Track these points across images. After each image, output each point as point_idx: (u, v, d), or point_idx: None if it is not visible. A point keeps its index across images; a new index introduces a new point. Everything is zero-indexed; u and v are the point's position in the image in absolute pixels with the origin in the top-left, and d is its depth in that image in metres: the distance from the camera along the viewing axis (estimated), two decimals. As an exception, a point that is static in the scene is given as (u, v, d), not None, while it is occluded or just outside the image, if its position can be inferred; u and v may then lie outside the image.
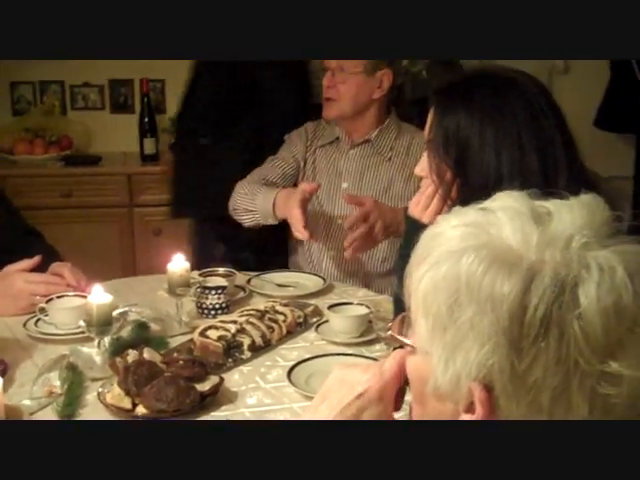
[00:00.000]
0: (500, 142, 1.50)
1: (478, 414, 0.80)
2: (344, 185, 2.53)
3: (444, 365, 0.80)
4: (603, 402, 0.77)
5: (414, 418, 0.93)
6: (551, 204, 0.84)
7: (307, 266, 2.55)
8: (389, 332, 0.95)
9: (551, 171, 1.49)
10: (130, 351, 1.69)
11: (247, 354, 1.82)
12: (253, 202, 2.47)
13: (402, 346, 0.95)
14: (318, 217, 2.53)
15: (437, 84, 1.61)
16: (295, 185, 2.56)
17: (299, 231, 2.23)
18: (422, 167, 1.66)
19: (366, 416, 0.95)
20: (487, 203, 0.87)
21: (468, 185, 1.53)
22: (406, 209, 1.77)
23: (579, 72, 3.85)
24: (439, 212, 1.60)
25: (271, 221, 2.44)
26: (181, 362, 1.65)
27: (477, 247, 0.79)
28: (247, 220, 2.51)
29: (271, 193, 2.41)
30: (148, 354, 1.69)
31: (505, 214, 0.82)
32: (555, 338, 0.75)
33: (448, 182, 1.55)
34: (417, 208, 1.68)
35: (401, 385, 0.97)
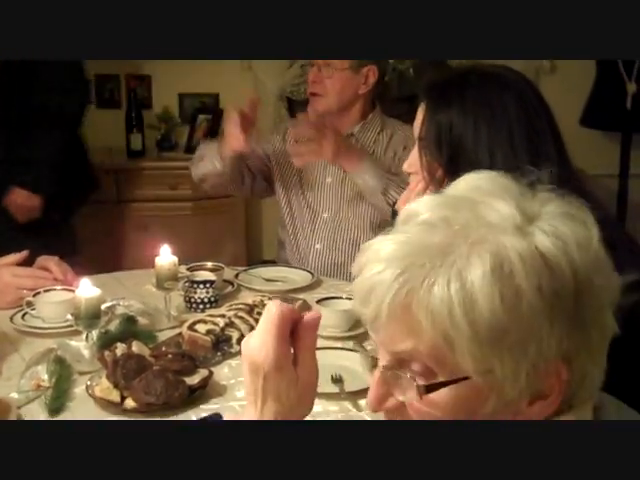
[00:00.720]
0: (493, 140, 1.49)
1: (555, 393, 0.80)
2: (328, 180, 2.54)
3: (514, 368, 0.77)
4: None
5: None
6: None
7: (294, 260, 2.56)
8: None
9: (542, 168, 1.50)
10: (119, 344, 1.68)
11: (236, 348, 1.82)
12: (204, 149, 2.56)
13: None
14: (303, 211, 2.54)
15: (428, 81, 1.60)
16: (266, 180, 2.63)
17: (232, 137, 2.30)
18: (411, 163, 1.65)
19: (276, 390, 0.94)
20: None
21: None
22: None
23: (565, 71, 3.87)
24: None
25: (218, 164, 2.47)
26: (170, 355, 1.65)
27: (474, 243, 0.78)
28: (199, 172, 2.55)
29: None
30: (137, 347, 1.68)
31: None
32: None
33: (439, 179, 1.55)
34: (406, 205, 1.67)
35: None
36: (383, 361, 0.85)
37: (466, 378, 0.79)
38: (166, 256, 1.97)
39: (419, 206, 0.86)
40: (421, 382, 0.80)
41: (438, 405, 0.81)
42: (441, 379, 0.80)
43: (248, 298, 2.01)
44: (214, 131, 3.88)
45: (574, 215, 0.82)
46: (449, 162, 1.52)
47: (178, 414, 1.53)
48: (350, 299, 1.99)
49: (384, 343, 0.84)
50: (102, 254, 3.68)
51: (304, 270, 2.36)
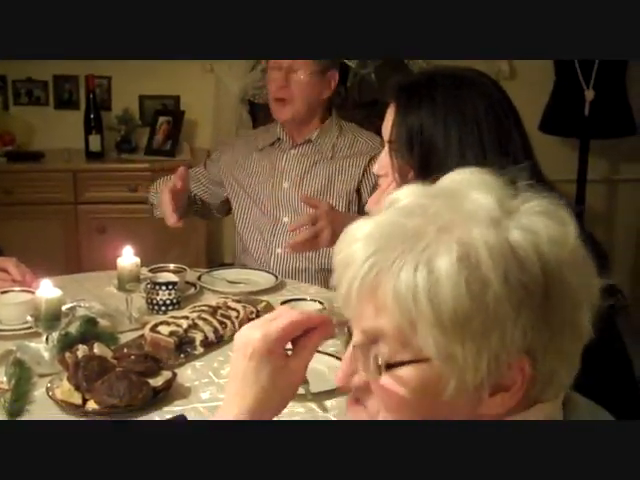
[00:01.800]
0: (463, 140, 1.50)
1: (517, 386, 0.81)
2: (285, 185, 2.52)
3: (476, 356, 0.78)
4: None
5: None
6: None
7: (255, 266, 2.53)
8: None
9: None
10: (80, 346, 1.65)
11: (199, 350, 1.80)
12: (155, 196, 2.58)
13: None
14: (263, 217, 2.52)
15: (397, 82, 1.60)
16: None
17: (167, 216, 2.27)
18: (381, 166, 1.65)
19: (261, 373, 0.96)
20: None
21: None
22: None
23: (525, 77, 3.91)
24: None
25: (157, 214, 2.52)
26: (133, 357, 1.62)
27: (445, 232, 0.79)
28: (157, 214, 2.57)
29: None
30: (98, 349, 1.65)
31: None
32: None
33: (411, 180, 1.55)
34: (377, 207, 1.66)
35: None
36: (355, 338, 0.86)
37: (427, 360, 0.80)
38: (128, 257, 1.94)
39: (402, 193, 0.88)
40: (384, 360, 0.82)
41: (401, 383, 0.82)
42: (402, 358, 0.81)
43: (211, 300, 2.00)
44: (174, 133, 3.85)
45: (552, 212, 0.82)
46: (420, 164, 1.52)
47: (141, 416, 1.51)
48: (314, 301, 1.98)
49: (354, 320, 0.86)
50: (59, 257, 3.63)
51: (267, 272, 2.35)
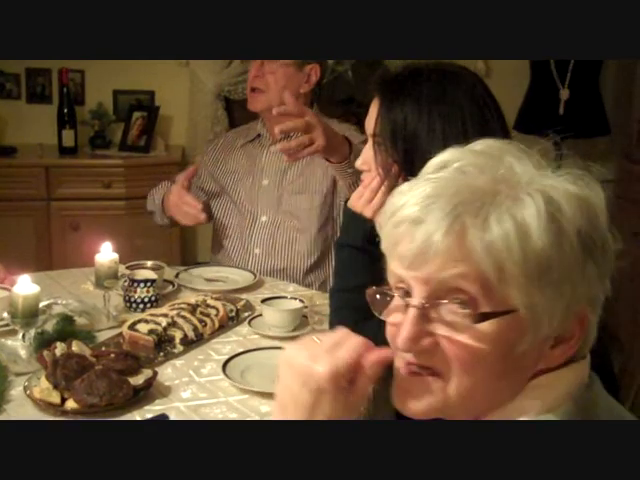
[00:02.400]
0: (447, 134, 1.50)
1: (576, 338, 0.85)
2: (264, 182, 2.48)
3: (553, 305, 0.81)
4: None
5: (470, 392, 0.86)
6: None
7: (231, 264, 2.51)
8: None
9: None
10: (58, 344, 1.62)
11: (179, 348, 1.78)
12: (153, 202, 2.55)
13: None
14: (241, 216, 2.49)
15: (381, 77, 1.59)
16: None
17: (197, 217, 2.28)
18: (364, 160, 1.64)
19: (325, 409, 0.88)
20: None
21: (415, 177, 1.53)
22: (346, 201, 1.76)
23: (500, 76, 3.92)
24: (383, 205, 1.60)
25: (165, 221, 2.52)
26: (112, 355, 1.60)
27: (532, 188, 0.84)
28: (157, 220, 2.58)
29: (163, 191, 2.49)
30: (77, 347, 1.63)
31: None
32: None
33: (395, 175, 1.55)
34: (359, 202, 1.65)
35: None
36: (419, 299, 0.85)
37: (514, 311, 0.82)
38: (107, 253, 1.92)
39: (447, 156, 0.91)
40: (467, 313, 0.82)
41: (482, 337, 0.82)
42: (486, 310, 0.82)
43: (190, 298, 1.97)
44: (149, 129, 3.82)
45: (584, 175, 0.88)
46: (404, 157, 1.52)
47: (122, 415, 1.49)
48: (295, 299, 1.97)
49: (430, 274, 0.84)
50: (30, 254, 3.58)
51: (245, 270, 2.33)
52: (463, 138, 1.53)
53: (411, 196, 0.87)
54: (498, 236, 0.80)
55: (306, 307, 1.88)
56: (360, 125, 4.03)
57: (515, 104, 3.81)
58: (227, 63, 3.90)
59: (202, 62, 3.85)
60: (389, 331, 0.90)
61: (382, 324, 0.93)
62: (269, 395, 1.56)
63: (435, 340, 0.84)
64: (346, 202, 1.73)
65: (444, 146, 1.51)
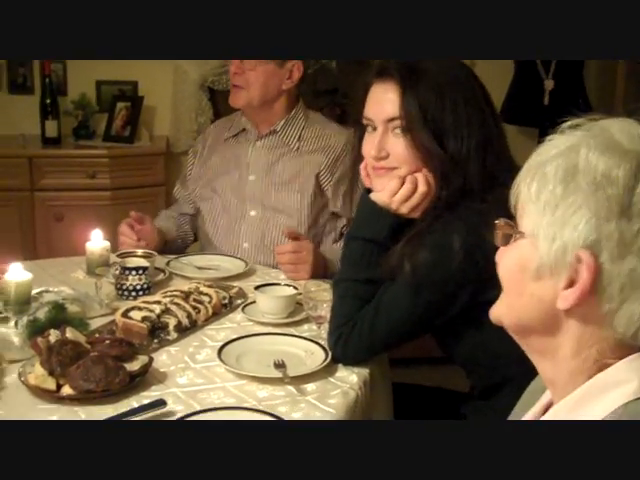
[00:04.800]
0: (469, 115, 1.59)
1: (583, 282, 0.90)
2: (251, 178, 2.45)
3: (551, 239, 0.92)
4: None
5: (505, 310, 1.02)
6: None
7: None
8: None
9: (503, 139, 1.60)
10: (52, 331, 1.61)
11: (173, 335, 1.77)
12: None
13: None
14: (229, 211, 2.45)
15: (396, 62, 1.62)
16: None
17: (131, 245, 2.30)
18: (395, 157, 1.65)
19: None
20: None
21: (446, 161, 1.58)
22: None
23: (484, 67, 3.91)
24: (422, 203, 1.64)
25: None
26: (107, 341, 1.58)
27: (590, 137, 0.93)
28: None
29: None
30: (71, 334, 1.61)
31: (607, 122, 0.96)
32: None
33: (434, 161, 1.60)
34: (395, 198, 1.64)
35: None
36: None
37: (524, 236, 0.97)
38: (97, 241, 1.90)
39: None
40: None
41: (508, 254, 1.00)
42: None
43: (183, 285, 1.96)
44: (133, 119, 3.79)
45: None
46: (433, 139, 1.57)
47: (118, 401, 1.48)
48: (288, 286, 1.96)
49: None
50: (15, 244, 3.54)
51: (236, 258, 2.32)
52: (481, 120, 1.58)
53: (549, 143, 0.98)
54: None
55: (300, 294, 1.87)
56: (343, 115, 4.05)
57: (500, 94, 3.81)
58: (212, 53, 3.88)
59: (186, 52, 3.83)
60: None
61: None
62: (266, 380, 1.56)
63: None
64: (366, 193, 1.72)
65: (467, 128, 1.56)
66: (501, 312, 1.03)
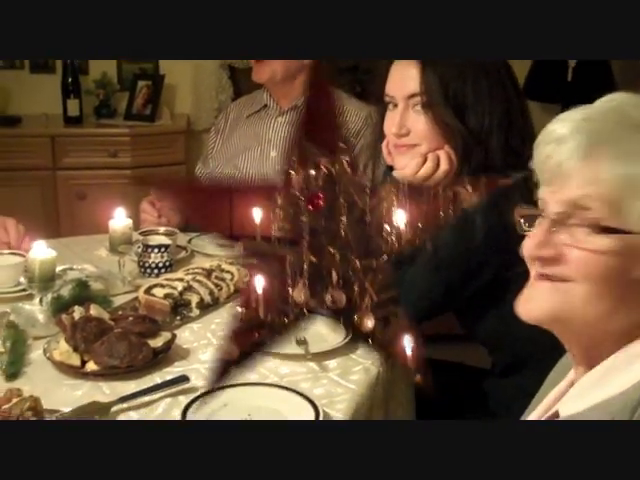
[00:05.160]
0: (491, 90, 1.58)
1: None
2: (272, 154, 2.46)
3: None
4: None
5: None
6: None
7: None
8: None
9: (527, 115, 1.59)
10: (76, 307, 1.62)
11: (195, 312, 1.78)
12: None
13: None
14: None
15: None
16: None
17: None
18: (402, 124, 1.64)
19: None
20: None
21: (467, 136, 1.57)
22: None
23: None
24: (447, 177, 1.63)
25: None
26: (131, 318, 1.60)
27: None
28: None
29: None
30: (95, 311, 1.63)
31: None
32: None
33: (455, 137, 1.59)
34: (421, 173, 1.65)
35: None
36: (556, 209, 0.93)
37: (631, 233, 0.89)
38: (120, 219, 1.91)
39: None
40: (596, 223, 0.90)
41: (604, 249, 0.89)
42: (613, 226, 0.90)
43: (205, 263, 1.97)
44: (154, 98, 3.79)
45: None
46: (455, 116, 1.56)
47: (142, 377, 1.49)
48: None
49: (563, 191, 0.92)
50: (37, 224, 3.56)
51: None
52: (503, 95, 1.58)
53: (566, 116, 0.95)
54: (633, 170, 0.88)
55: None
56: (363, 93, 4.04)
57: (522, 70, 3.78)
58: (232, 30, 3.87)
59: (207, 30, 3.82)
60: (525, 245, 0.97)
61: None
62: (287, 357, 1.57)
63: (561, 252, 0.93)
64: (389, 171, 1.72)
65: (489, 102, 1.55)
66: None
